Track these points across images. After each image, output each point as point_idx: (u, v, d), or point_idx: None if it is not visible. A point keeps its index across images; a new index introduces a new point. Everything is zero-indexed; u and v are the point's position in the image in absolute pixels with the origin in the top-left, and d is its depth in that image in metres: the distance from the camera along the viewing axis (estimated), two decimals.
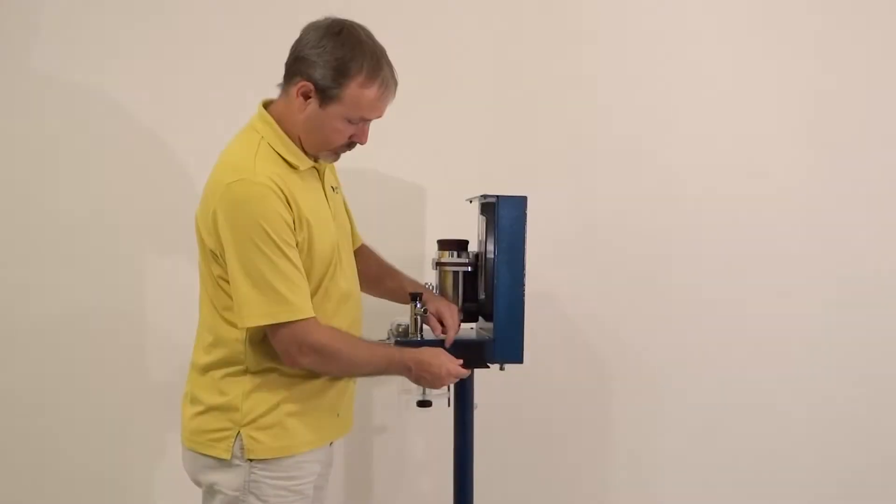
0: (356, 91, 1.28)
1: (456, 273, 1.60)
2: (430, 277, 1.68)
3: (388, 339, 1.54)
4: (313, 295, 1.34)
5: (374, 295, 1.61)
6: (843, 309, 2.02)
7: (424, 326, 1.52)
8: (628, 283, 2.00)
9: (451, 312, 1.52)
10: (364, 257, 1.59)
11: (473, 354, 1.49)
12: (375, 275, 1.58)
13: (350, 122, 1.33)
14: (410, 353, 1.39)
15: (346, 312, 1.43)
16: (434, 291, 1.62)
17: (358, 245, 1.61)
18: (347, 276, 1.44)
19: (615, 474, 2.03)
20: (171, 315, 1.81)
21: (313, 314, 1.31)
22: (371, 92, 1.29)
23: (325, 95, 1.30)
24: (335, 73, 1.27)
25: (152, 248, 1.87)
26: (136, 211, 1.86)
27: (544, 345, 1.90)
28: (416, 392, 1.55)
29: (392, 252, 1.74)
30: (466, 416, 1.60)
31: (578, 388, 2.01)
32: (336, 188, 1.50)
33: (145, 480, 1.92)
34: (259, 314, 1.27)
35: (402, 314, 1.57)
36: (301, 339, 1.29)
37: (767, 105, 1.99)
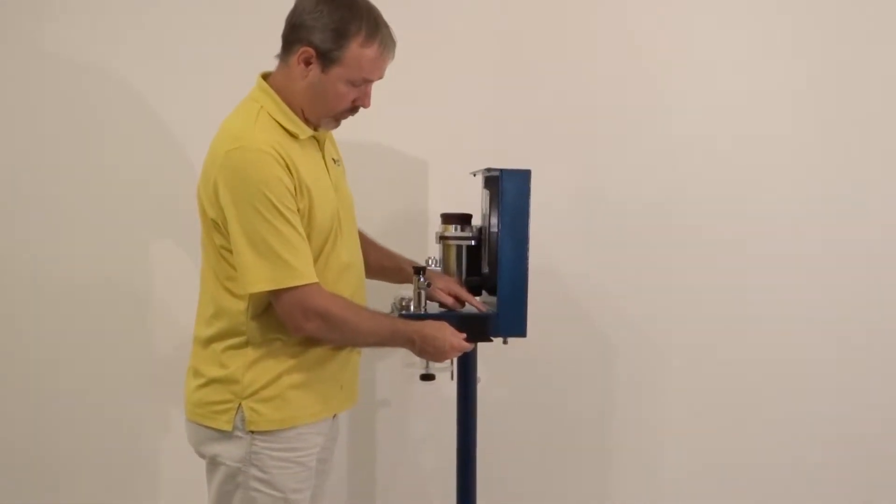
0: (357, 51, 1.29)
1: (459, 247, 1.60)
2: (432, 252, 1.67)
3: (392, 313, 1.54)
4: (315, 263, 1.34)
5: (374, 277, 1.61)
6: (855, 291, 1.97)
7: (428, 301, 1.52)
8: (633, 257, 1.98)
9: (460, 285, 1.55)
10: (360, 241, 1.57)
11: (477, 328, 1.49)
12: (374, 257, 1.58)
13: (353, 84, 1.32)
14: (414, 326, 1.38)
15: (347, 282, 1.42)
16: (437, 266, 1.62)
17: None
18: (349, 246, 1.43)
19: (618, 446, 2.02)
20: (178, 293, 1.82)
21: (317, 279, 1.30)
22: (371, 51, 1.29)
23: (326, 59, 1.30)
24: (335, 34, 1.28)
25: (157, 225, 1.87)
26: (140, 187, 1.86)
27: (547, 319, 1.89)
28: (419, 365, 1.55)
29: (394, 227, 1.75)
30: (469, 389, 1.61)
31: (581, 361, 2.01)
32: (337, 160, 1.50)
33: (152, 452, 1.93)
34: (262, 280, 1.26)
35: (405, 289, 1.58)
36: (305, 304, 1.29)
37: (778, 73, 1.94)
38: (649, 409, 2.03)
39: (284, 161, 1.27)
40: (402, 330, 1.38)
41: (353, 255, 1.45)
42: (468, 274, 1.61)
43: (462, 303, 1.56)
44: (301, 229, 1.29)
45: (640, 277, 1.98)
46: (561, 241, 1.95)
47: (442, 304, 1.54)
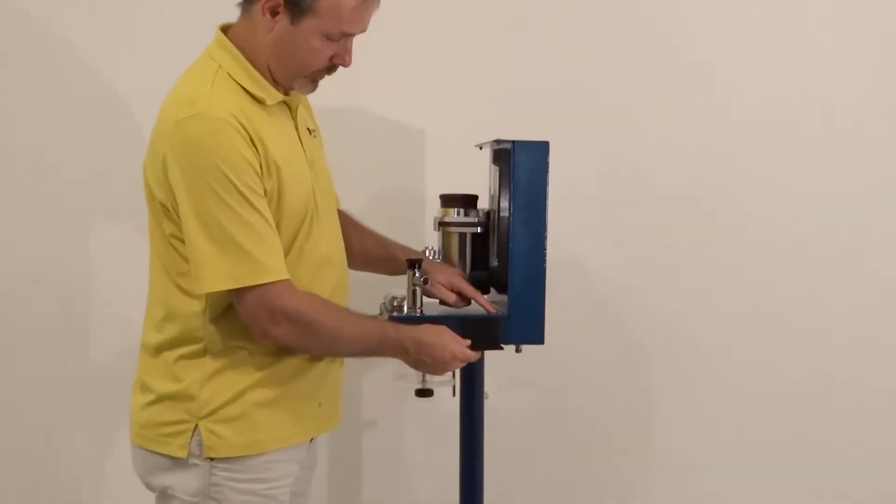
0: None
1: (462, 235, 1.61)
2: (430, 241, 1.67)
3: (381, 315, 1.54)
4: (286, 255, 1.34)
5: (360, 269, 1.62)
6: None
7: (425, 299, 1.52)
8: (669, 245, 1.99)
9: (464, 280, 1.56)
10: (343, 223, 1.59)
11: (484, 333, 1.50)
12: (357, 243, 1.60)
13: (329, 38, 1.31)
14: (408, 332, 1.39)
15: (325, 279, 1.42)
16: (436, 257, 1.63)
17: (337, 207, 1.61)
18: (327, 234, 1.44)
19: (657, 475, 2.03)
20: (122, 290, 1.82)
21: (287, 276, 1.30)
22: None
23: (296, 8, 1.28)
24: None
25: (97, 206, 1.86)
26: (76, 161, 1.85)
27: (569, 322, 1.91)
28: (414, 379, 1.56)
29: (383, 211, 1.75)
30: (475, 407, 1.62)
31: (609, 373, 2.02)
32: (314, 131, 1.50)
33: (90, 484, 1.92)
34: (221, 276, 1.26)
35: (397, 286, 1.57)
36: (274, 305, 1.29)
37: (846, 57, 1.98)
38: (694, 430, 2.03)
39: (248, 132, 1.27)
40: (392, 336, 1.39)
41: (332, 246, 1.45)
42: (473, 268, 1.62)
43: (467, 301, 1.56)
44: (269, 215, 1.29)
45: (678, 269, 2.00)
46: (585, 230, 1.96)
47: (443, 303, 1.55)
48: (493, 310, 1.54)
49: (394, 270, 1.60)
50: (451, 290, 1.54)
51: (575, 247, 1.95)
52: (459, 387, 1.61)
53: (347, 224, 1.59)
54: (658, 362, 2.03)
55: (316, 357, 1.42)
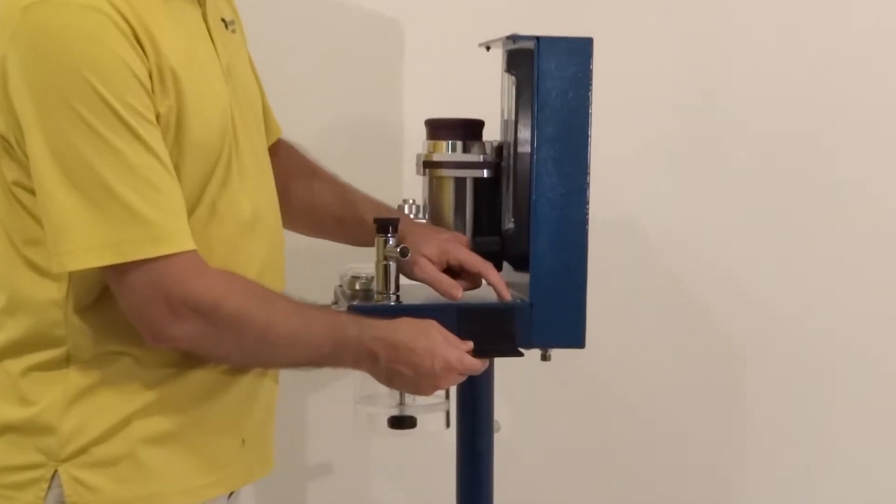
0: None
1: (460, 182, 1.62)
2: (411, 191, 1.69)
3: (338, 304, 1.56)
4: (190, 215, 1.34)
5: (307, 232, 1.67)
6: None
7: (404, 280, 1.53)
8: (773, 209, 2.04)
9: (466, 248, 1.58)
10: (284, 161, 1.62)
11: (493, 332, 1.50)
12: (302, 195, 1.64)
13: None
14: (378, 329, 1.41)
15: (251, 250, 1.43)
16: (420, 217, 1.65)
17: (274, 139, 1.64)
18: (253, 183, 1.45)
19: None
20: None
21: (193, 245, 1.31)
22: None
23: None
24: None
25: None
26: None
27: (621, 317, 1.93)
28: (387, 401, 1.58)
29: (342, 146, 1.80)
30: (480, 445, 1.63)
31: (683, 395, 2.07)
32: (231, 23, 1.51)
33: None
34: (92, 246, 1.26)
35: (361, 260, 1.58)
36: (172, 290, 1.29)
37: None
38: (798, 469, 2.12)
39: (130, 25, 1.26)
40: (354, 336, 1.40)
41: (260, 201, 1.46)
42: (478, 232, 1.63)
43: (473, 282, 1.57)
44: (164, 153, 1.30)
45: (783, 252, 2.07)
46: (647, 183, 1.99)
47: (434, 287, 1.54)
48: (507, 295, 1.54)
49: (357, 237, 1.62)
50: (445, 266, 1.55)
51: (632, 204, 1.98)
52: (456, 414, 1.62)
53: (288, 165, 1.61)
54: (759, 379, 2.10)
55: (237, 369, 1.43)
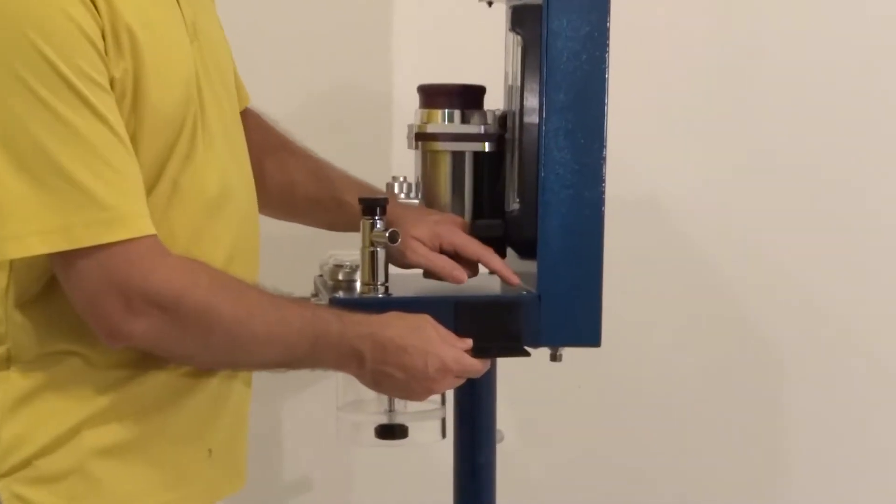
0: None
1: (458, 157, 1.63)
2: (402, 168, 1.69)
3: (318, 297, 1.57)
4: (149, 194, 1.35)
5: (280, 215, 1.69)
6: None
7: (393, 269, 1.54)
8: (799, 185, 2.10)
9: (462, 231, 1.59)
10: (252, 135, 1.62)
11: (495, 329, 1.50)
12: (278, 172, 1.66)
13: None
14: (364, 326, 1.41)
15: (219, 234, 1.44)
16: (412, 197, 1.65)
17: (241, 108, 1.64)
18: (221, 158, 1.45)
19: None
20: None
21: (153, 230, 1.31)
22: None
23: None
24: None
25: None
26: None
27: (640, 310, 1.94)
28: (374, 408, 1.59)
29: (323, 116, 1.80)
30: (481, 458, 1.64)
31: (706, 392, 2.10)
32: None
33: None
34: (37, 230, 1.26)
35: (344, 245, 1.60)
36: (130, 281, 1.29)
37: None
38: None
39: None
40: (336, 333, 1.40)
41: (230, 178, 1.46)
42: (479, 214, 1.64)
43: (471, 269, 1.58)
44: (119, 124, 1.30)
45: (821, 239, 2.11)
46: (671, 158, 2.00)
47: (427, 275, 1.56)
48: (516, 280, 1.54)
49: (335, 220, 1.65)
50: (440, 250, 1.56)
51: (653, 183, 1.99)
52: (454, 422, 1.63)
53: (257, 139, 1.61)
54: (797, 379, 2.12)
55: (203, 372, 1.43)
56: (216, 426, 1.46)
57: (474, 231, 1.61)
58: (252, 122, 1.65)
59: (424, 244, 1.55)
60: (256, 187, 1.55)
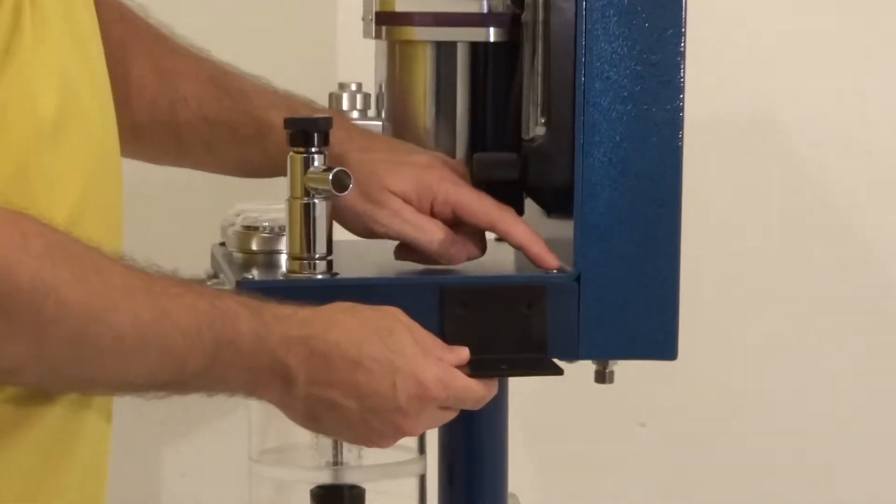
0: None
1: (447, 51, 1.67)
2: (355, 71, 1.77)
3: (217, 276, 1.66)
4: None
5: (157, 155, 1.77)
6: None
7: (341, 231, 1.57)
8: None
9: (464, 182, 1.62)
10: (113, 27, 1.65)
11: (505, 332, 1.52)
12: (154, 82, 1.72)
13: None
14: (294, 325, 1.42)
15: (56, 171, 1.40)
16: (370, 118, 1.72)
17: None
18: (60, 55, 1.42)
19: None
20: None
21: None
22: None
23: None
24: None
25: None
26: None
27: (743, 304, 1.95)
28: (309, 459, 1.61)
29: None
30: None
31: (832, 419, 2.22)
32: None
33: None
34: None
35: (257, 195, 1.71)
36: None
37: None
38: None
39: None
40: (248, 334, 1.38)
41: (76, 84, 1.44)
42: (478, 143, 1.68)
43: (479, 244, 1.60)
44: None
45: None
46: (784, 66, 2.08)
47: (406, 251, 1.60)
48: (552, 261, 1.54)
49: (257, 156, 1.68)
50: (431, 213, 1.58)
51: (773, 98, 2.05)
52: (439, 483, 1.69)
53: (128, 33, 1.68)
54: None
55: (38, 393, 1.38)
56: (61, 477, 1.42)
57: (475, 173, 1.61)
58: (112, 12, 1.66)
59: (410, 202, 1.54)
60: (121, 108, 1.54)
